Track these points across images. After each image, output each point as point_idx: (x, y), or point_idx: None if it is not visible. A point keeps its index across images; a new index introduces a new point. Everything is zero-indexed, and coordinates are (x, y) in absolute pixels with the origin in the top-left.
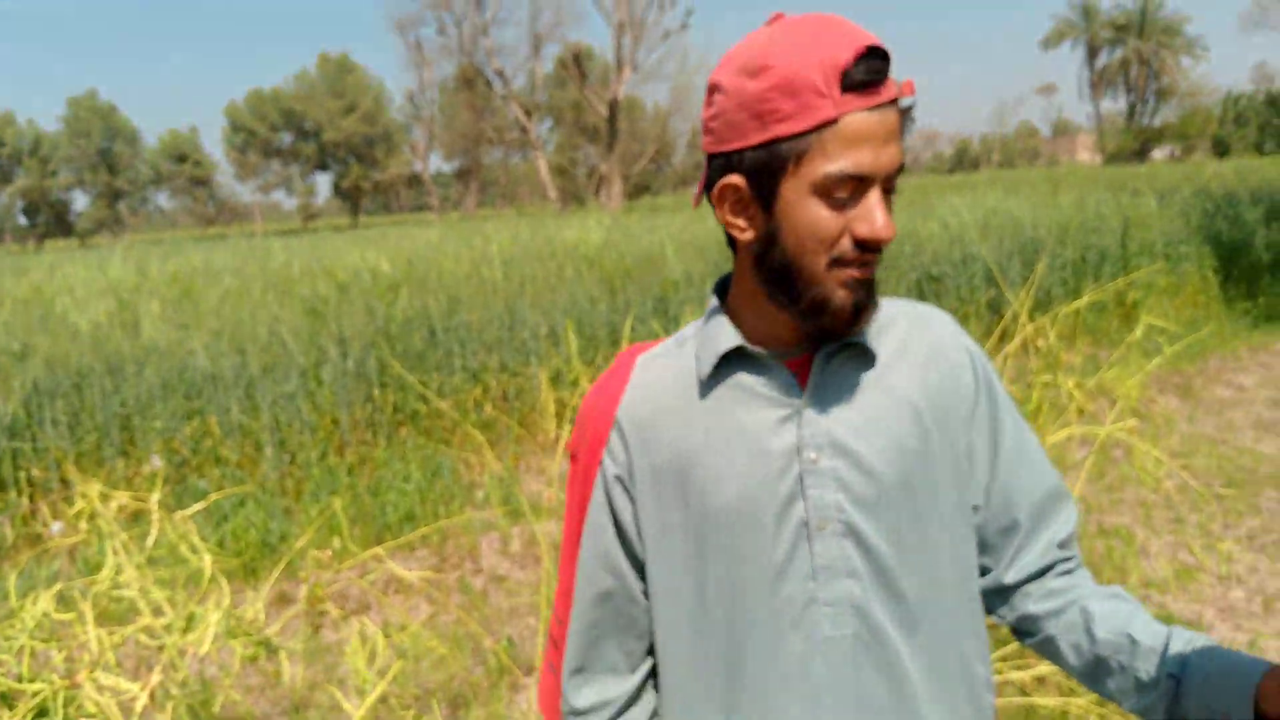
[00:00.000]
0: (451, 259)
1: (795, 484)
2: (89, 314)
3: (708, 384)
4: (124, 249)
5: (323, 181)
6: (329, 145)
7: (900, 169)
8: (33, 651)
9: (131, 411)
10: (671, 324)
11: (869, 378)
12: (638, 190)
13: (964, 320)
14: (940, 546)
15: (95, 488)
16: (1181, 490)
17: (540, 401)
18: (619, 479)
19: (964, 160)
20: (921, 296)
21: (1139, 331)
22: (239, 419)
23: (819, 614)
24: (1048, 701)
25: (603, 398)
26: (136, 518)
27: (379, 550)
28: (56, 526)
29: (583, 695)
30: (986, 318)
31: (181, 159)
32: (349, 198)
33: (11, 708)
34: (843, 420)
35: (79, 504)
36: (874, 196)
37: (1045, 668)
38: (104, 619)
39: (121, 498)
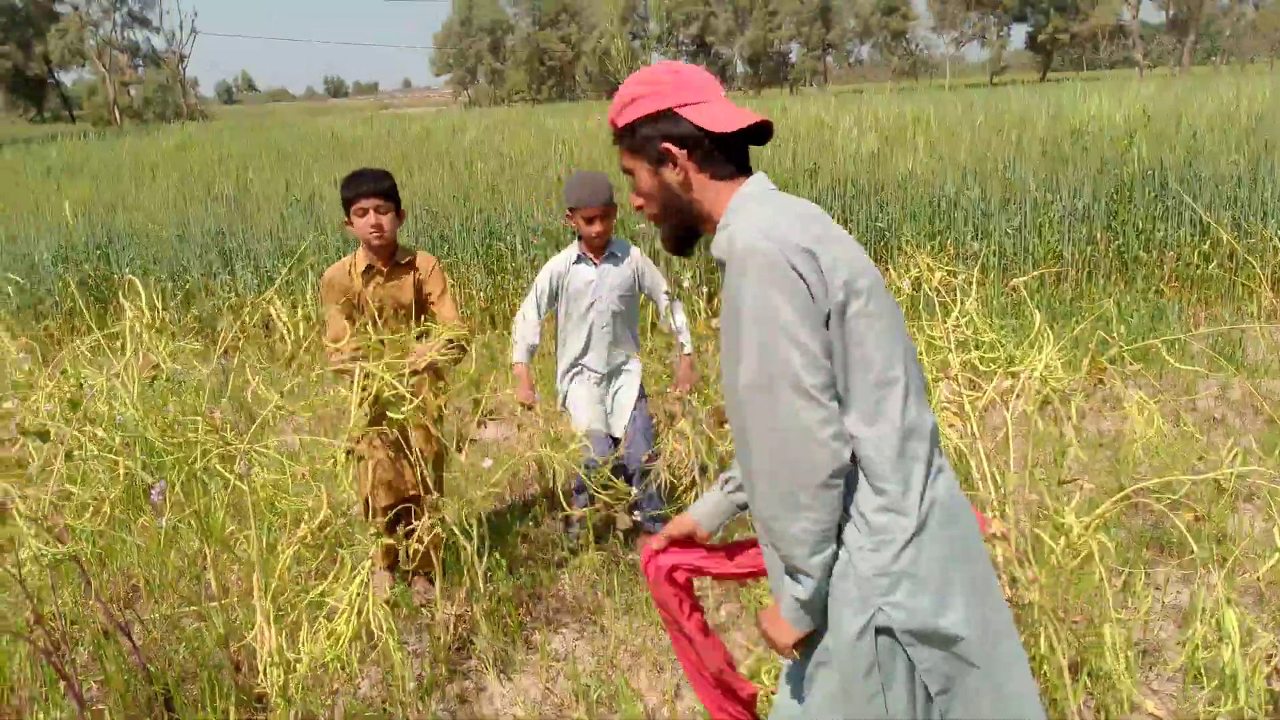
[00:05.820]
0: (1194, 110)
1: None
2: (865, 145)
3: None
4: (836, 95)
5: (1017, 33)
6: None
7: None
8: None
9: (884, 228)
10: None
11: None
12: None
13: None
14: None
15: (924, 258)
16: None
17: None
18: None
19: None
20: None
21: None
22: (972, 244)
23: None
24: None
25: None
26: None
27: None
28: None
29: None
30: None
31: (889, 10)
32: (1041, 50)
33: None
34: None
35: (911, 271)
36: None
37: None
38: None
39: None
